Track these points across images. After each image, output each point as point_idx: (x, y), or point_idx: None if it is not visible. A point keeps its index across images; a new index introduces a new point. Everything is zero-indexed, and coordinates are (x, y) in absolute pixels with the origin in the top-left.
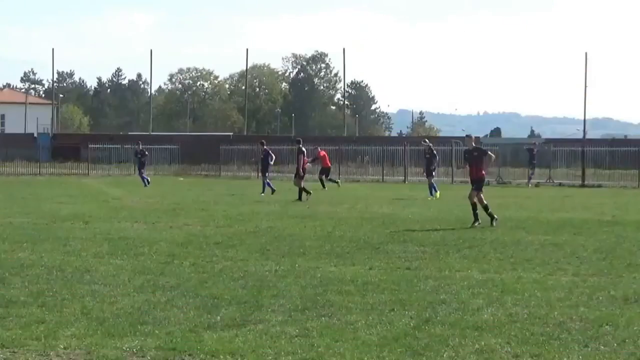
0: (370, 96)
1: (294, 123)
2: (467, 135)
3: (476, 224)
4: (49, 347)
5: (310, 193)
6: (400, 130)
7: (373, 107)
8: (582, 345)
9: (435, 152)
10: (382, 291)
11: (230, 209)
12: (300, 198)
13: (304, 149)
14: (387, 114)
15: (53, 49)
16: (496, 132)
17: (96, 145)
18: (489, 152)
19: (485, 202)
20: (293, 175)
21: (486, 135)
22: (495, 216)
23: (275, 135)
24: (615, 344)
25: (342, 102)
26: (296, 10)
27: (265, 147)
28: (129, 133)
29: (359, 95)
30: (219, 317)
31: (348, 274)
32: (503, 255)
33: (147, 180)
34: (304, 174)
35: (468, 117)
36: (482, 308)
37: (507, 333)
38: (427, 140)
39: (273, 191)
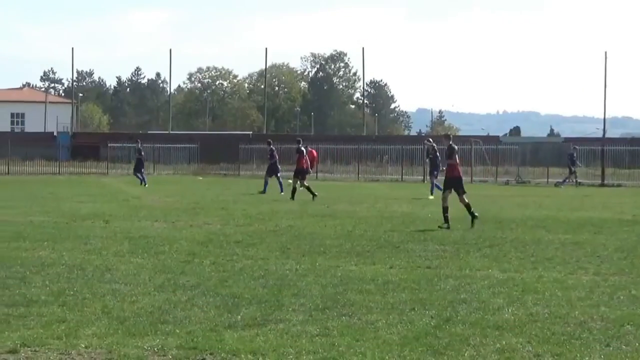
0: (390, 95)
1: (313, 122)
2: (445, 135)
3: (475, 220)
4: (70, 346)
5: (293, 198)
6: (420, 130)
7: (392, 106)
8: (603, 345)
9: (438, 152)
10: (402, 290)
11: (250, 207)
12: (313, 197)
13: (302, 148)
14: (406, 112)
15: (72, 48)
16: (515, 130)
17: (115, 144)
18: (454, 156)
19: (447, 204)
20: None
21: (505, 134)
22: (448, 224)
23: (295, 134)
24: (637, 344)
25: (361, 101)
26: (312, 9)
27: (271, 146)
28: (149, 132)
29: (378, 94)
30: (239, 316)
31: (368, 273)
32: (523, 254)
33: (143, 179)
34: (304, 173)
35: (487, 115)
36: (502, 307)
37: (528, 332)
38: (430, 139)
39: (263, 192)
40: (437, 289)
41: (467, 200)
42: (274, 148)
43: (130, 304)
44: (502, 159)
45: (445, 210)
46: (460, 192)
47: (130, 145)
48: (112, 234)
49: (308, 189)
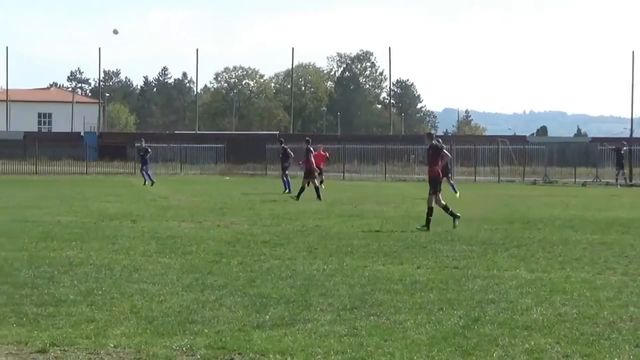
0: (416, 95)
1: (340, 122)
2: (427, 134)
3: (422, 227)
4: (99, 345)
5: (320, 198)
6: (446, 129)
7: (419, 105)
8: (632, 346)
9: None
10: (430, 290)
11: (277, 207)
12: (319, 196)
13: (312, 148)
14: (432, 112)
15: (99, 48)
16: (542, 130)
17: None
18: (444, 150)
19: (443, 202)
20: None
21: (532, 134)
22: (457, 214)
23: (321, 134)
24: None
25: (387, 101)
26: (338, 8)
27: (283, 145)
28: (175, 132)
29: (405, 93)
30: (267, 316)
31: (396, 273)
32: (551, 255)
33: (150, 177)
34: (315, 172)
35: (514, 115)
36: (531, 307)
37: (557, 333)
38: (439, 140)
39: (289, 192)
40: (465, 289)
41: (432, 205)
42: (286, 147)
43: (158, 304)
44: (529, 159)
45: (445, 209)
46: (434, 193)
47: (157, 145)
48: (139, 233)
49: (302, 190)
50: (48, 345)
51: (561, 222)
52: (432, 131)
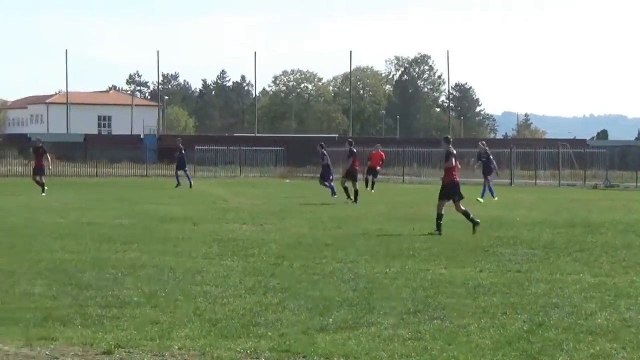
0: (475, 98)
1: (399, 125)
2: (444, 138)
3: (477, 227)
4: (164, 347)
5: (350, 197)
6: (506, 133)
7: (478, 109)
8: None
9: (491, 155)
10: (493, 294)
11: (337, 211)
12: (349, 198)
13: (355, 150)
14: (492, 116)
15: (158, 52)
16: (603, 134)
17: (202, 147)
18: (451, 159)
19: (442, 212)
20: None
21: (593, 138)
22: (441, 231)
23: (380, 137)
24: None
25: (446, 105)
26: (396, 11)
27: (323, 150)
28: (235, 135)
29: (464, 97)
30: (331, 320)
31: (459, 276)
32: (615, 259)
33: (179, 180)
34: (356, 175)
35: (574, 119)
36: (595, 312)
37: (623, 338)
38: (484, 143)
39: (334, 195)
40: (529, 294)
41: (463, 208)
42: (325, 152)
43: (222, 307)
44: (590, 163)
45: (439, 217)
46: (457, 199)
47: (217, 148)
48: (201, 236)
49: (356, 193)
50: (113, 347)
51: (624, 226)
52: (450, 135)
